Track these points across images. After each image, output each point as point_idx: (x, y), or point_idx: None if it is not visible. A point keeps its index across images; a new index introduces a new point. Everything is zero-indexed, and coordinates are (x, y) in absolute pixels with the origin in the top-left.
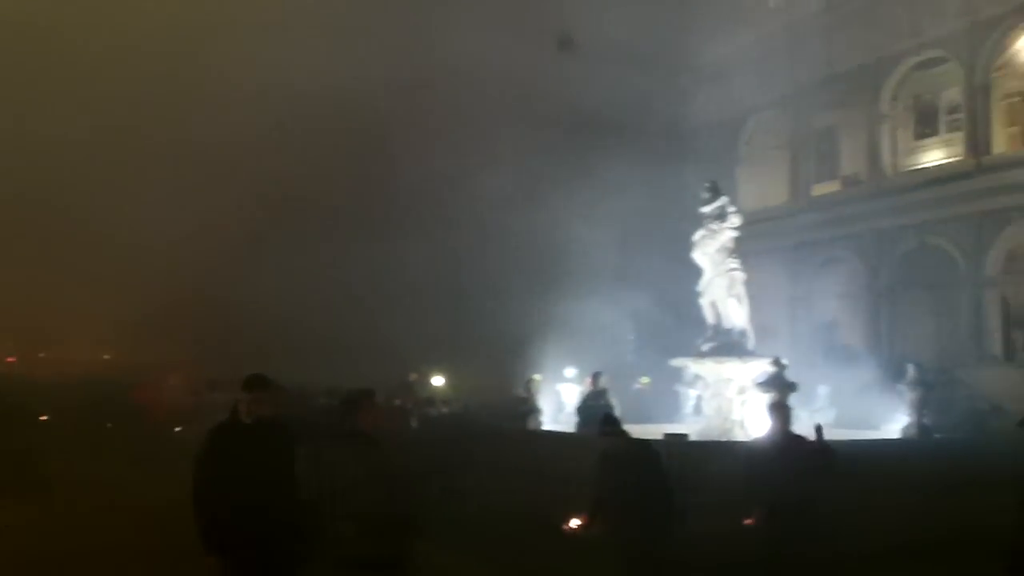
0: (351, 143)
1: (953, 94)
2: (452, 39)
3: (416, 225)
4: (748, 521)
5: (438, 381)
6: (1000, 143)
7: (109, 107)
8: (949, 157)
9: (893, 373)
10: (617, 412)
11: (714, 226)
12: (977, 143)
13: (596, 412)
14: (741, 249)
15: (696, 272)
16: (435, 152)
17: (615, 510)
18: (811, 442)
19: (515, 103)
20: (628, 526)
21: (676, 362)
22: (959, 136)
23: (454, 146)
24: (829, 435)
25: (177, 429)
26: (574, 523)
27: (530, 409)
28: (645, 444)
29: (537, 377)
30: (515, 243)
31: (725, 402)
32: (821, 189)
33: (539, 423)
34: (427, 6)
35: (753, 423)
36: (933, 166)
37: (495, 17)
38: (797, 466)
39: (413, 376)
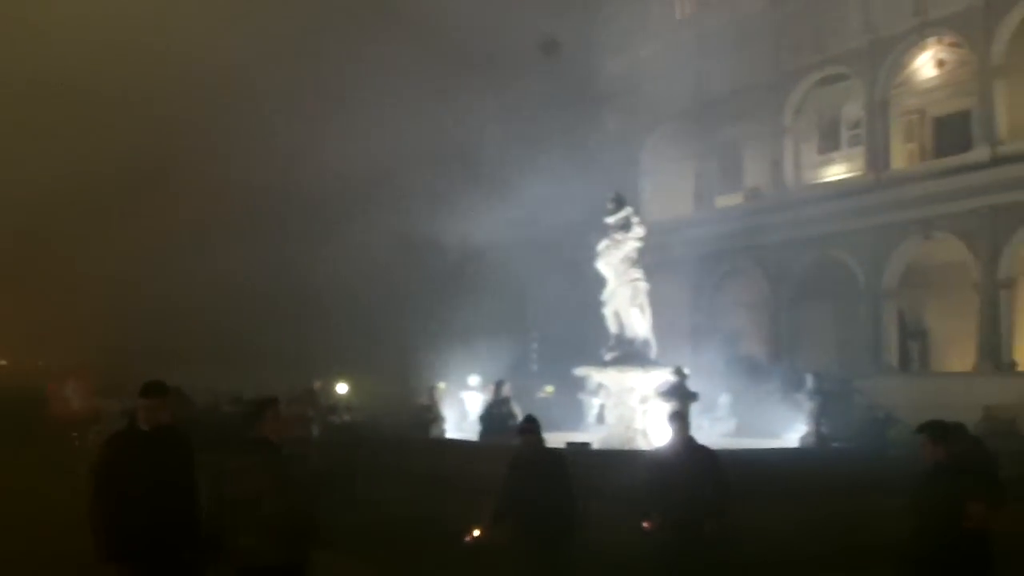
0: (256, 151)
1: (855, 110)
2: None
3: (322, 233)
4: (647, 525)
5: (342, 389)
6: (899, 159)
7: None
8: (850, 172)
9: (793, 383)
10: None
11: (618, 236)
12: (877, 158)
13: (498, 420)
14: (645, 259)
15: (600, 282)
16: (341, 158)
17: (523, 515)
18: (710, 450)
19: (419, 111)
20: (535, 531)
21: (579, 371)
22: (860, 151)
23: (357, 153)
24: (730, 444)
25: (74, 435)
26: (477, 531)
27: (433, 417)
28: (555, 450)
29: (441, 385)
30: (421, 253)
31: (627, 411)
32: (725, 201)
33: (442, 431)
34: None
35: (655, 432)
36: (834, 180)
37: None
38: (696, 474)
39: (317, 384)
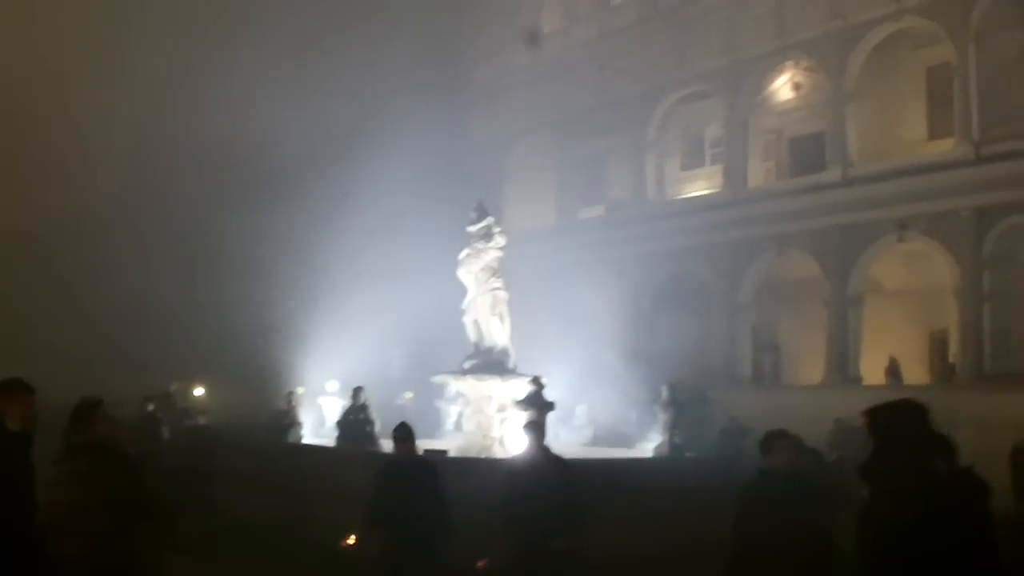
0: (116, 158)
1: (717, 128)
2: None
3: (185, 234)
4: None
5: (199, 392)
6: (756, 177)
7: None
8: (711, 188)
9: (650, 393)
10: (378, 427)
11: (479, 245)
12: (735, 175)
13: (356, 427)
14: (507, 269)
15: (462, 290)
16: (200, 167)
17: (396, 522)
18: (564, 460)
19: (280, 112)
20: (408, 538)
21: (438, 379)
22: (721, 169)
23: (215, 160)
24: (586, 453)
25: None
26: (352, 538)
27: (291, 422)
28: (427, 458)
29: (299, 390)
30: (282, 256)
31: (485, 419)
32: (588, 212)
33: (299, 436)
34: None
35: (512, 440)
36: (695, 196)
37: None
38: (550, 483)
39: (174, 386)
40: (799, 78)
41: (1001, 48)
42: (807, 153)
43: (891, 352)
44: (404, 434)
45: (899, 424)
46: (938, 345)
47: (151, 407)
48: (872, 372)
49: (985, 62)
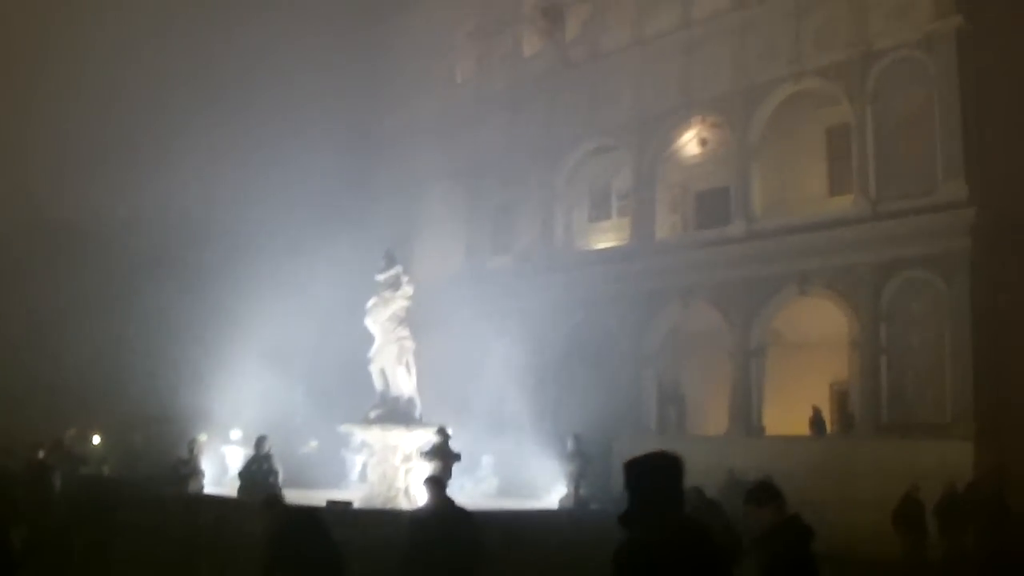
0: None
1: (624, 180)
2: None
3: (78, 274)
4: None
5: (97, 439)
6: (663, 229)
7: None
8: (619, 240)
9: (556, 444)
10: (281, 477)
11: (387, 294)
12: (642, 228)
13: (259, 477)
14: (415, 318)
15: (370, 338)
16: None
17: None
18: (467, 512)
19: (184, 156)
20: None
21: (343, 428)
22: (628, 221)
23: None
24: (490, 504)
25: None
26: None
27: (191, 471)
28: (314, 511)
29: (201, 438)
30: (186, 301)
31: (390, 469)
32: (496, 261)
33: (200, 486)
34: None
35: (418, 491)
36: (603, 247)
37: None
38: (454, 535)
39: (71, 431)
40: (705, 133)
41: (896, 110)
42: (712, 207)
43: (793, 402)
44: (272, 503)
45: (652, 475)
46: (839, 396)
47: (42, 454)
48: (775, 423)
49: (881, 123)
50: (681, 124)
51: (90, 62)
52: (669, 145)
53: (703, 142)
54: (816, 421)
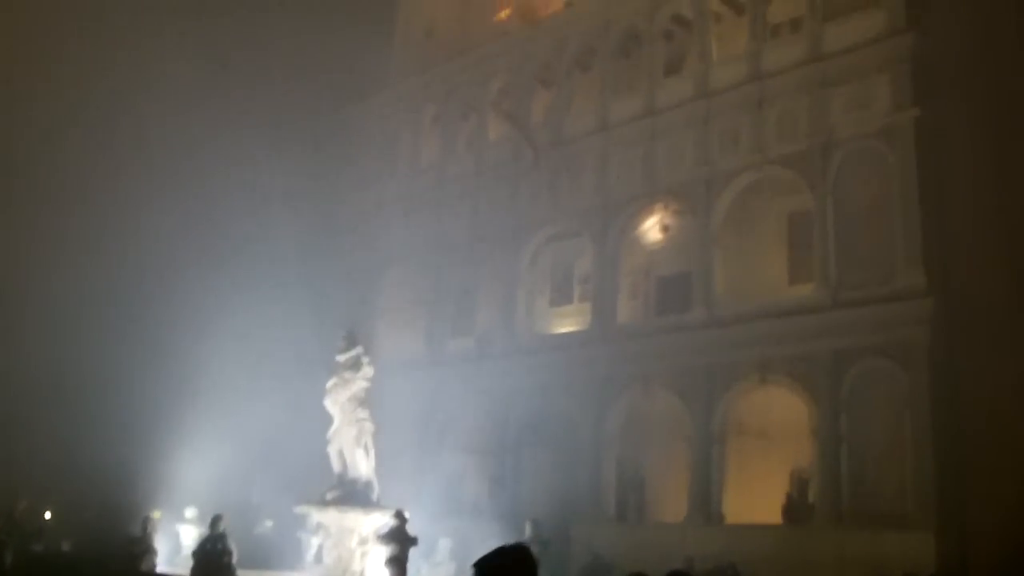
0: None
1: (586, 264)
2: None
3: (46, 350)
4: None
5: (48, 514)
6: (624, 314)
7: None
8: (579, 324)
9: (514, 529)
10: (235, 557)
11: (347, 375)
12: (603, 312)
13: (213, 557)
14: (374, 399)
15: (328, 418)
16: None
17: None
18: None
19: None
20: None
21: (299, 509)
22: (589, 306)
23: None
24: None
25: None
26: None
27: (145, 549)
28: None
29: (156, 515)
30: (146, 377)
31: (346, 552)
32: (457, 344)
33: (153, 565)
34: None
35: (373, 574)
36: (564, 332)
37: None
38: None
39: (22, 504)
40: (668, 220)
41: (856, 198)
42: (673, 292)
43: (754, 490)
44: None
45: (503, 568)
46: (800, 484)
47: None
48: (735, 511)
49: (841, 211)
50: (643, 210)
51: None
52: (631, 231)
53: (665, 228)
54: (789, 508)
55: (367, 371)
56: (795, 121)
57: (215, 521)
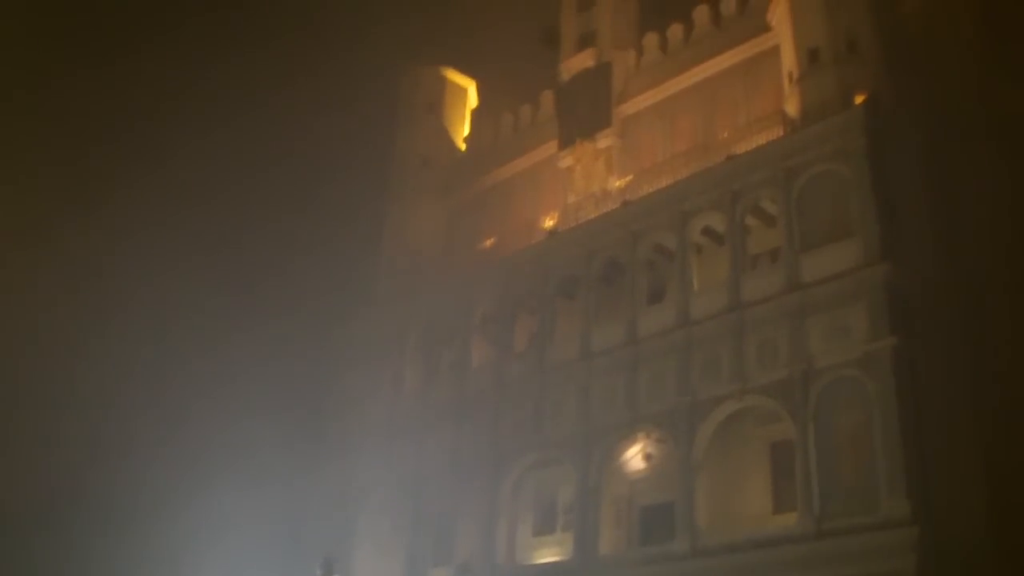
0: None
1: (569, 493)
2: None
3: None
4: None
5: None
6: (606, 544)
7: None
8: (562, 554)
9: None
10: None
11: None
12: (586, 542)
13: None
14: None
15: None
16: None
17: None
18: None
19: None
20: None
21: None
22: (571, 535)
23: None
24: None
25: None
26: None
27: None
28: None
29: None
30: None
31: None
32: (436, 573)
33: None
34: None
35: None
36: (545, 562)
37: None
38: None
39: None
40: (650, 448)
41: (838, 427)
42: (657, 521)
43: None
44: None
45: None
46: None
47: None
48: None
49: (823, 440)
50: (626, 438)
51: None
52: (614, 459)
53: (648, 456)
54: None
55: None
56: (775, 350)
57: None
